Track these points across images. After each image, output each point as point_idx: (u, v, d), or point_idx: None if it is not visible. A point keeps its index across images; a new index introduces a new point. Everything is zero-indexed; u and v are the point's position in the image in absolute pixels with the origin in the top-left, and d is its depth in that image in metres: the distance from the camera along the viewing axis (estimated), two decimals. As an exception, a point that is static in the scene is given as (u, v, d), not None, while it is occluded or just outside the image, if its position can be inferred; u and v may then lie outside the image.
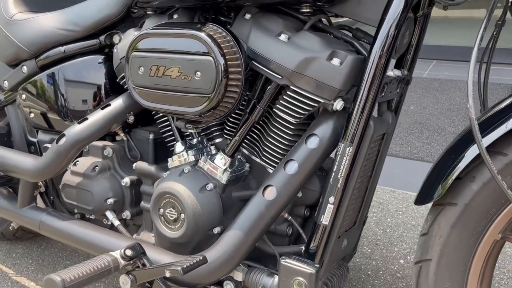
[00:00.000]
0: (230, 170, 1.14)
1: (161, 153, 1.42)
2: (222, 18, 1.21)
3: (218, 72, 0.99)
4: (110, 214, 1.38)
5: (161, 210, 1.17)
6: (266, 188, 1.07)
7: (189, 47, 1.02)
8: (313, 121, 1.07)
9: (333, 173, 1.03)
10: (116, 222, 1.37)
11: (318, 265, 1.03)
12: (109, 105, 1.34)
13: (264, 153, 1.16)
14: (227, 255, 1.07)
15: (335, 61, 0.98)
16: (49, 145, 1.47)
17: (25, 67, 1.49)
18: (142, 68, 1.11)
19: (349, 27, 1.14)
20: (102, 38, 1.42)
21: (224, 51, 0.99)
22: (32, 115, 1.51)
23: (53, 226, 1.34)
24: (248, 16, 1.08)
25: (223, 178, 1.14)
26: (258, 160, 1.20)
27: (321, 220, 1.05)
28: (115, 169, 1.40)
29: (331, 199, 1.04)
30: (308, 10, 1.06)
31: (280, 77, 1.02)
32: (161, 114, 1.31)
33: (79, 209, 1.44)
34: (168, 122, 1.30)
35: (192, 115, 1.07)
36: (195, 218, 1.12)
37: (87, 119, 1.32)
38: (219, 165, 1.14)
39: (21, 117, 1.58)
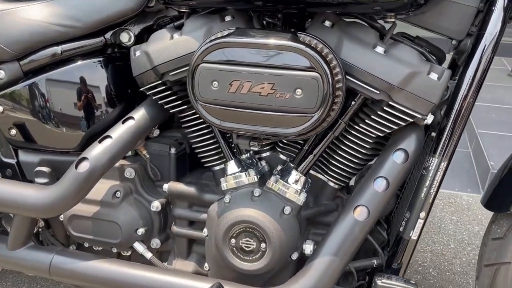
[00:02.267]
0: (304, 190, 1.06)
1: (181, 168, 1.26)
2: (269, 20, 1.10)
3: (326, 89, 0.89)
4: (140, 246, 1.18)
5: (233, 240, 1.04)
6: (356, 208, 1.01)
7: (288, 61, 0.89)
8: (397, 135, 1.04)
9: (425, 188, 1.01)
10: (149, 255, 1.18)
11: (413, 282, 1.02)
12: (132, 118, 1.13)
13: (332, 168, 1.09)
14: (322, 283, 0.99)
15: (433, 76, 0.95)
16: (44, 169, 1.19)
17: (2, 71, 1.16)
18: (216, 83, 0.94)
19: (408, 34, 1.12)
20: (107, 36, 1.18)
21: (330, 65, 0.89)
22: (12, 131, 1.20)
23: (73, 268, 1.10)
24: (328, 23, 0.98)
25: (300, 200, 1.05)
26: (317, 174, 1.13)
27: (411, 235, 1.04)
28: (139, 193, 1.20)
29: (422, 214, 1.03)
30: (392, 20, 1.01)
31: (378, 92, 0.96)
32: (199, 127, 1.14)
33: (95, 244, 1.21)
34: (212, 135, 1.14)
35: (286, 135, 0.95)
36: (280, 247, 1.02)
37: (109, 136, 1.10)
38: (293, 185, 1.05)
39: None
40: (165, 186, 1.18)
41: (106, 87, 1.19)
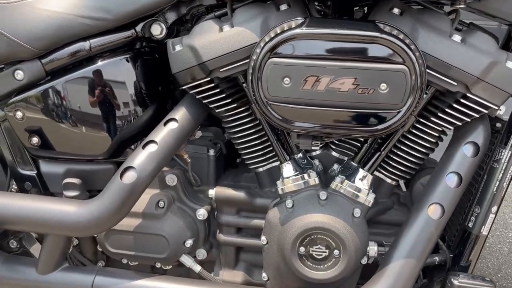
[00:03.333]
0: (371, 190, 1.00)
1: (218, 171, 1.17)
2: (318, 8, 1.02)
3: (414, 82, 0.83)
4: (187, 259, 1.09)
5: (302, 248, 0.96)
6: (430, 206, 0.96)
7: (373, 53, 0.82)
8: (464, 128, 0.99)
9: (497, 182, 0.98)
10: (198, 268, 1.09)
11: (489, 279, 0.99)
12: (174, 119, 1.02)
13: (394, 164, 1.03)
14: (401, 285, 0.93)
15: (510, 64, 0.91)
16: (74, 180, 1.05)
17: (20, 72, 1.01)
18: (288, 79, 0.85)
19: (462, 21, 1.07)
20: (138, 29, 1.06)
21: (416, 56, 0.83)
22: (34, 140, 1.06)
23: (120, 290, 0.99)
24: (397, 11, 0.91)
25: (369, 201, 0.99)
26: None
27: (482, 231, 1.00)
28: (182, 201, 1.10)
29: (494, 209, 0.99)
30: (461, 6, 0.95)
31: (455, 83, 0.90)
32: (247, 127, 1.05)
33: (136, 260, 1.10)
34: (260, 134, 1.05)
35: (368, 134, 0.88)
36: (356, 253, 0.95)
37: (153, 141, 0.98)
38: (361, 186, 0.98)
39: (6, 143, 1.09)
40: (211, 192, 1.09)
41: (137, 86, 1.07)
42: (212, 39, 0.96)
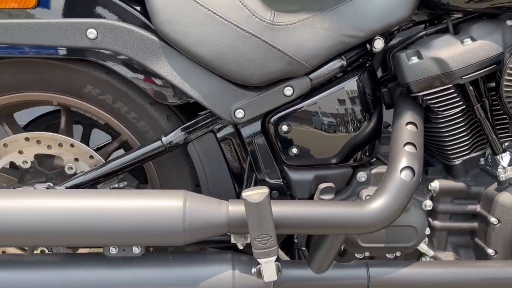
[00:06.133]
0: None
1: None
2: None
3: None
4: (424, 245, 1.24)
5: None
6: None
7: None
8: None
9: None
10: (431, 252, 1.25)
11: None
12: (412, 123, 1.16)
13: None
14: None
15: None
16: (330, 184, 1.14)
17: (290, 88, 1.09)
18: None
19: None
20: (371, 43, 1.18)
21: None
22: (294, 150, 1.14)
23: (394, 277, 1.11)
24: None
25: None
26: None
27: None
28: (410, 195, 1.24)
29: None
30: None
31: None
32: (461, 125, 1.22)
33: (379, 252, 1.22)
34: (469, 131, 1.23)
35: None
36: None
37: (411, 143, 1.12)
38: None
39: (257, 155, 1.15)
40: (434, 184, 1.24)
41: (368, 96, 1.19)
42: (458, 51, 1.12)
